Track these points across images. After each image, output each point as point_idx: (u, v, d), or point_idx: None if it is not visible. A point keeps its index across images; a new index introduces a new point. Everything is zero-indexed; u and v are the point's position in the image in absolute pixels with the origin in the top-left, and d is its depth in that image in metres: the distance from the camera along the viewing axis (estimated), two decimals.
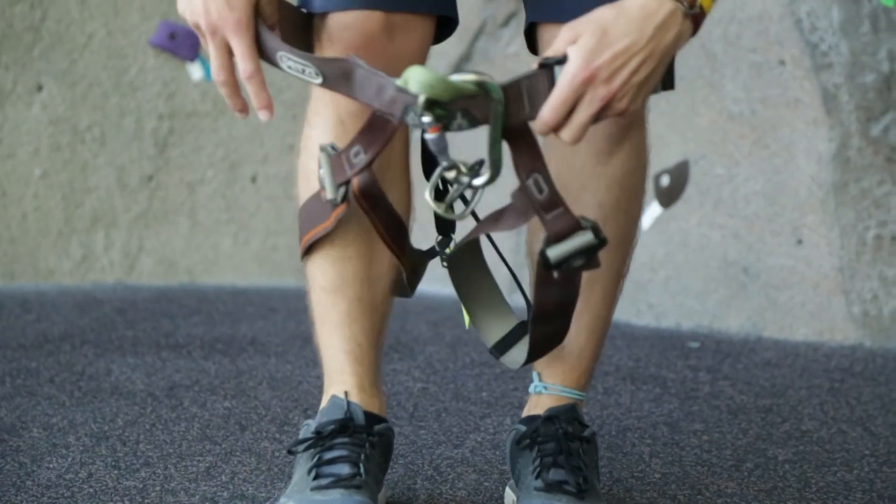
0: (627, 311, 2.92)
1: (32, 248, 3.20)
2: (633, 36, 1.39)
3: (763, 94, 2.82)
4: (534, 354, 1.68)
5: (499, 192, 1.62)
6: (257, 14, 1.55)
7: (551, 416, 1.74)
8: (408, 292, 1.76)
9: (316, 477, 1.67)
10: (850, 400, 2.36)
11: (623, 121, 1.67)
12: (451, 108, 1.49)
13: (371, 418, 1.72)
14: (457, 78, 1.48)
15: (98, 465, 1.96)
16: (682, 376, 2.49)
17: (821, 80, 2.76)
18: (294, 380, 2.42)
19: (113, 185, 3.25)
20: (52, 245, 3.22)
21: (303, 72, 1.54)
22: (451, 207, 1.56)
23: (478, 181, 1.51)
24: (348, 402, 1.72)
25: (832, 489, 1.92)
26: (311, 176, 1.67)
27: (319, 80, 1.54)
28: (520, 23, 3.04)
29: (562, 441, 1.69)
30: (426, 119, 1.48)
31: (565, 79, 1.41)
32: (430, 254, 1.73)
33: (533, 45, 1.71)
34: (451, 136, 1.51)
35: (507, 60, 3.07)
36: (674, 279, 2.89)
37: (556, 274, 1.53)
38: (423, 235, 1.82)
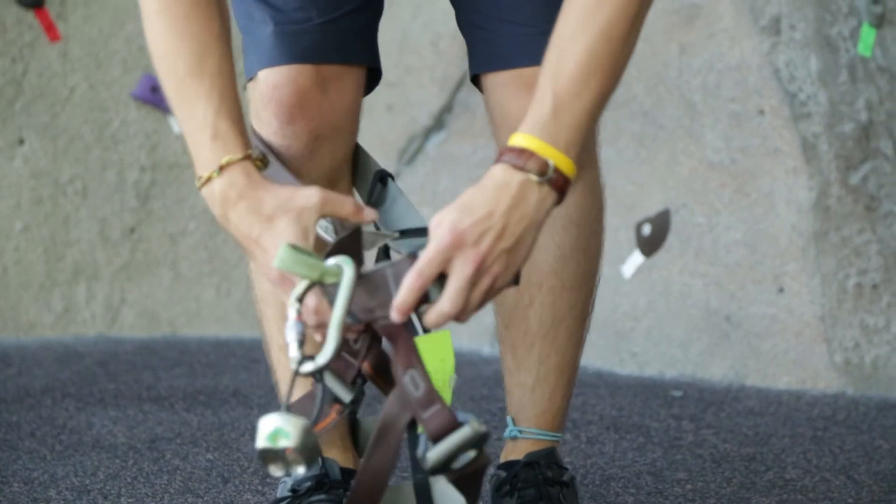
0: (610, 360, 2.92)
1: (14, 302, 3.19)
2: (491, 205, 1.42)
3: (743, 143, 2.83)
4: None
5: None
6: None
7: (531, 462, 1.73)
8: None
9: None
10: (833, 448, 2.36)
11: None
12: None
13: (346, 473, 1.71)
14: (316, 260, 1.46)
15: None
16: (665, 425, 2.49)
17: (800, 129, 2.78)
18: None
19: (95, 238, 3.24)
20: (34, 298, 3.21)
21: None
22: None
23: (306, 367, 1.46)
24: (323, 458, 1.71)
25: None
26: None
27: None
28: None
29: (542, 487, 1.69)
30: (292, 298, 1.46)
31: (432, 245, 1.42)
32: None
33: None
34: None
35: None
36: (656, 328, 2.90)
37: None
38: None
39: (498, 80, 1.73)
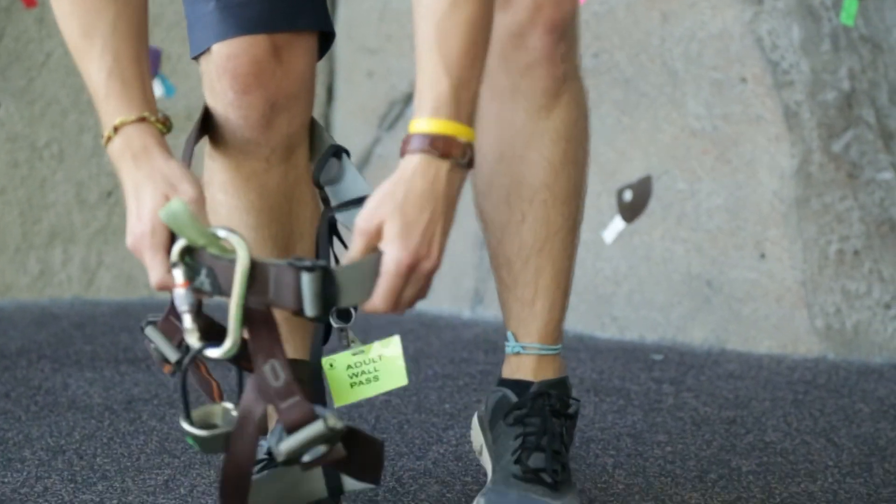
0: (591, 324, 2.92)
1: None
2: (430, 207, 1.42)
3: (725, 110, 2.83)
4: None
5: None
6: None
7: (542, 392, 1.73)
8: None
9: None
10: (814, 411, 2.36)
11: (558, 72, 1.71)
12: (198, 262, 1.46)
13: None
14: (205, 227, 1.47)
15: (54, 480, 1.94)
16: (645, 388, 2.49)
17: (782, 97, 2.77)
18: None
19: (72, 201, 3.23)
20: (10, 261, 3.19)
21: None
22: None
23: (213, 352, 1.48)
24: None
25: (796, 500, 1.92)
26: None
27: None
28: None
29: (547, 419, 1.69)
30: (176, 269, 1.46)
31: (391, 269, 1.42)
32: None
33: None
34: None
35: None
36: (637, 292, 2.89)
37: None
38: None
39: None
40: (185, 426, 1.50)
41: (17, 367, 2.56)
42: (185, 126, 3.19)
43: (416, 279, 1.44)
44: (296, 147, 1.71)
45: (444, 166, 1.44)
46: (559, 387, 1.76)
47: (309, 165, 1.72)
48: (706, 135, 2.84)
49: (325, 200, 1.67)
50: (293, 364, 1.56)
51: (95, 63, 1.51)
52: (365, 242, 1.44)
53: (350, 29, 3.21)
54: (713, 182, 2.83)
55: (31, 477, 1.94)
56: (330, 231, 1.65)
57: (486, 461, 1.79)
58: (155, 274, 1.49)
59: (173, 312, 1.55)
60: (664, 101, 2.87)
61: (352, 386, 1.61)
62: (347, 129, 3.24)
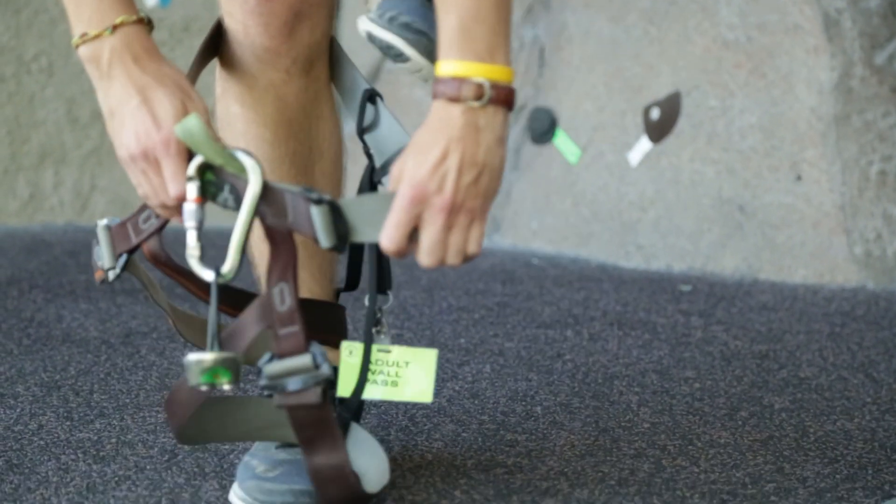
0: (615, 253, 2.93)
1: None
2: (442, 145, 1.48)
3: (760, 19, 2.81)
4: None
5: None
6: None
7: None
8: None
9: None
10: (851, 345, 2.38)
11: None
12: (221, 178, 1.53)
13: (338, 369, 1.73)
14: (221, 144, 1.53)
15: (49, 417, 1.96)
16: (672, 321, 2.50)
17: (822, 4, 2.76)
18: None
19: (62, 120, 3.23)
20: None
21: None
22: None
23: (209, 274, 1.54)
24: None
25: (831, 438, 1.94)
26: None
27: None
28: None
29: None
30: (191, 183, 1.52)
31: (395, 204, 1.49)
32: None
33: None
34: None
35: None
36: (664, 219, 2.90)
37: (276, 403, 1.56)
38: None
39: None
40: (208, 354, 1.51)
41: (7, 298, 2.58)
42: (182, 38, 3.19)
43: (431, 216, 1.47)
44: (316, 60, 1.72)
45: (455, 109, 1.48)
46: None
47: (329, 81, 1.74)
48: (740, 46, 2.83)
49: (368, 154, 1.69)
50: (308, 303, 1.60)
51: None
52: (392, 188, 1.51)
53: None
54: (746, 98, 2.83)
55: (25, 414, 1.97)
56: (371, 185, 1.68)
57: None
58: (176, 185, 1.53)
59: (134, 222, 1.63)
60: (695, 10, 2.86)
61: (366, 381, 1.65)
62: (355, 42, 3.23)
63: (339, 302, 1.78)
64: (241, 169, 1.52)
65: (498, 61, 1.49)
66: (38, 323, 2.42)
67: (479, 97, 1.48)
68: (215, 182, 1.53)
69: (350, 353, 1.65)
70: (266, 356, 1.56)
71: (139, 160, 1.54)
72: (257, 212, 1.52)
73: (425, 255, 1.50)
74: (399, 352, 1.64)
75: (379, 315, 1.67)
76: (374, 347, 1.65)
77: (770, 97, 2.81)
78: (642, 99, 2.91)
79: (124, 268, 1.66)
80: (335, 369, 1.62)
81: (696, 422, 1.99)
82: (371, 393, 1.64)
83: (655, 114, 2.93)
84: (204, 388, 1.51)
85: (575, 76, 2.96)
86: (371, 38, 1.76)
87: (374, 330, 1.66)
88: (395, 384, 1.64)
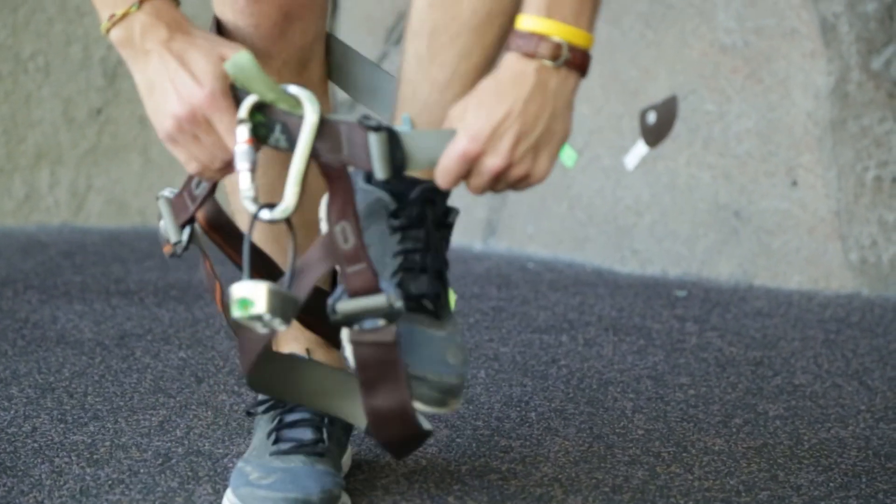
0: (611, 258, 2.93)
1: None
2: (509, 103, 1.47)
3: (757, 24, 2.82)
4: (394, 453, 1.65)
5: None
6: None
7: (428, 196, 1.63)
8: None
9: (276, 441, 1.70)
10: (846, 352, 2.38)
11: None
12: (272, 118, 1.50)
13: None
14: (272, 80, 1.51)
15: (43, 419, 1.96)
16: (667, 327, 2.50)
17: (819, 9, 2.76)
18: None
19: (59, 119, 3.23)
20: None
21: None
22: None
23: (268, 214, 1.51)
24: (310, 361, 1.73)
25: (825, 446, 1.94)
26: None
27: None
28: None
29: (431, 233, 1.63)
30: (242, 125, 1.50)
31: (450, 150, 1.48)
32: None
33: None
34: None
35: None
36: (660, 223, 2.90)
37: (349, 344, 1.54)
38: None
39: None
40: (254, 287, 1.47)
41: (2, 299, 2.58)
42: None
43: (480, 172, 1.48)
44: (308, 61, 1.71)
45: (529, 66, 1.46)
46: (440, 191, 1.67)
47: (324, 81, 1.73)
48: (737, 51, 2.83)
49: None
50: (321, 293, 1.60)
51: None
52: (450, 125, 1.49)
53: None
54: (743, 103, 2.83)
55: (19, 416, 1.97)
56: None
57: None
58: (234, 136, 1.50)
59: (188, 190, 1.61)
60: (692, 14, 2.86)
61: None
62: (352, 42, 3.23)
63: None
64: (295, 104, 1.51)
65: (581, 26, 1.48)
66: (33, 324, 2.42)
67: (555, 58, 1.47)
68: (266, 123, 1.51)
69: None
70: (337, 291, 1.55)
71: (187, 124, 1.52)
72: (312, 149, 1.50)
73: (471, 190, 1.50)
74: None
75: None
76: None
77: (767, 102, 2.81)
78: (639, 103, 2.91)
79: (190, 239, 1.64)
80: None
81: (690, 429, 1.99)
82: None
83: (652, 118, 2.92)
84: (242, 319, 1.47)
85: None
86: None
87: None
88: None
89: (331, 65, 1.74)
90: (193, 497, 1.71)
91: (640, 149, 2.97)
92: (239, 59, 1.51)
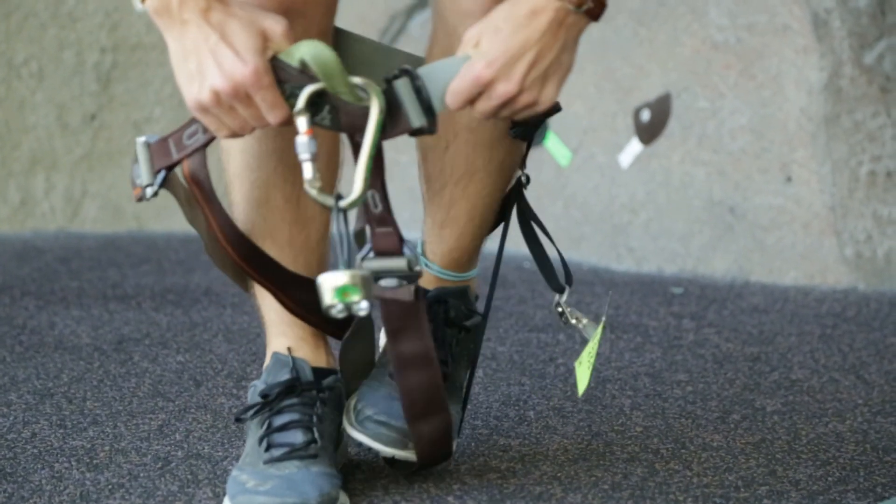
0: (607, 256, 2.94)
1: None
2: (525, 34, 1.55)
3: (749, 20, 2.82)
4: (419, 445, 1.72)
5: None
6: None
7: (440, 298, 1.78)
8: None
9: (268, 447, 1.69)
10: (843, 347, 2.39)
11: None
12: (323, 100, 1.55)
13: (319, 372, 1.73)
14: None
15: (42, 425, 1.96)
16: (664, 324, 2.51)
17: (811, 4, 2.77)
18: (251, 332, 2.43)
19: (53, 125, 3.23)
20: None
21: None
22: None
23: (343, 202, 1.58)
24: (293, 359, 1.73)
25: (823, 441, 1.94)
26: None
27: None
28: None
29: (440, 327, 1.77)
30: (302, 116, 1.54)
31: (468, 75, 1.55)
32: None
33: None
34: None
35: None
36: (655, 221, 2.91)
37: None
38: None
39: None
40: (350, 276, 1.53)
41: None
42: None
43: (490, 97, 1.55)
44: None
45: (551, 3, 1.54)
46: (458, 296, 1.80)
47: None
48: (729, 47, 2.83)
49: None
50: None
51: None
52: (464, 50, 1.57)
53: None
54: (736, 99, 2.83)
55: (18, 422, 1.97)
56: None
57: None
58: (276, 114, 1.54)
59: (176, 138, 1.63)
60: (684, 11, 2.87)
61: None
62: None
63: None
64: (359, 98, 1.56)
65: None
66: (31, 330, 2.42)
67: (579, 5, 1.55)
68: (316, 101, 1.55)
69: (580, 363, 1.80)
70: (365, 249, 1.66)
71: (227, 97, 1.53)
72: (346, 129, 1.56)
73: (477, 114, 1.57)
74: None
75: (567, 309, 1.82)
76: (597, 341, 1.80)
77: (760, 98, 2.82)
78: (632, 100, 2.91)
79: (162, 184, 1.65)
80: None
81: (688, 425, 1.99)
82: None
83: (646, 116, 2.93)
84: (339, 307, 1.53)
85: None
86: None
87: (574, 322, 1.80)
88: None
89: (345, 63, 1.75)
90: (193, 500, 1.72)
91: (635, 146, 2.98)
92: (323, 56, 1.54)
